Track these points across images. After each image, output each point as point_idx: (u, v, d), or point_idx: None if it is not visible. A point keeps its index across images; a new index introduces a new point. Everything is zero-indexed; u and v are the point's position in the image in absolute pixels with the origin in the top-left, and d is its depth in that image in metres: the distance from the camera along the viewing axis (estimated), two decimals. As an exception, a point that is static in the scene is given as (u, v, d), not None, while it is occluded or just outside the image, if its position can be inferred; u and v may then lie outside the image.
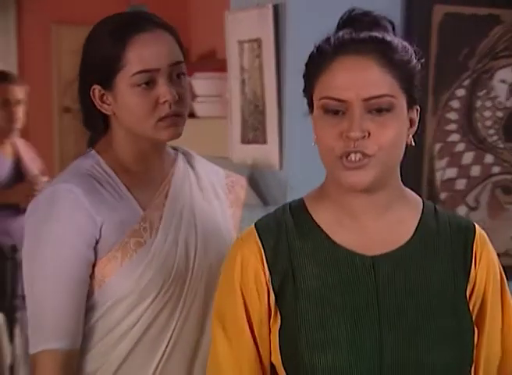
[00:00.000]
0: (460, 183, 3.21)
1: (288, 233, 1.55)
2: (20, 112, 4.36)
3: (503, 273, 1.64)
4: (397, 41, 1.52)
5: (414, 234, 1.57)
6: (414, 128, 1.56)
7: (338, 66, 1.48)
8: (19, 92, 4.36)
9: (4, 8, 5.88)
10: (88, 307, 1.78)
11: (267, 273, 1.53)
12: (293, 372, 1.52)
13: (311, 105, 1.55)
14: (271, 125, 2.95)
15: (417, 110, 1.56)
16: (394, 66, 1.48)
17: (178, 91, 1.77)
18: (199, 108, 3.53)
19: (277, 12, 2.95)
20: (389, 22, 1.56)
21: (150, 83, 1.74)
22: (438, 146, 3.15)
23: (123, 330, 1.77)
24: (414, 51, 1.54)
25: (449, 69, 3.14)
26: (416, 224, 1.58)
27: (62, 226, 1.74)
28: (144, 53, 1.74)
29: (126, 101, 1.76)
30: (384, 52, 1.48)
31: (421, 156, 3.15)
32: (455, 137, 3.18)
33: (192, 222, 1.85)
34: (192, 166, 1.95)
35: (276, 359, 1.54)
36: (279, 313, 1.53)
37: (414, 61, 1.53)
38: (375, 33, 1.50)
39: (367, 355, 1.48)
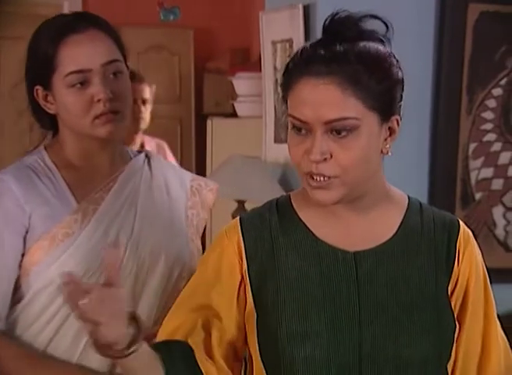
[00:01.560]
0: (497, 184, 3.17)
1: (271, 227, 1.57)
2: (146, 112, 4.21)
3: (485, 271, 1.63)
4: (374, 53, 1.48)
5: (396, 231, 1.58)
6: (394, 136, 1.54)
7: (302, 86, 1.46)
8: (145, 92, 4.22)
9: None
10: (17, 298, 1.84)
11: (244, 263, 1.56)
12: (271, 363, 1.54)
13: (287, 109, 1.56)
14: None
15: (396, 120, 1.53)
16: (359, 86, 1.45)
17: (113, 89, 1.80)
18: (240, 107, 3.57)
19: (308, 12, 2.99)
20: (383, 22, 1.53)
21: (84, 83, 1.79)
22: (473, 146, 3.13)
23: (45, 321, 1.82)
24: (394, 61, 1.50)
25: (485, 68, 3.11)
26: (400, 222, 1.59)
27: None
28: (76, 54, 1.79)
29: (63, 101, 1.82)
30: (347, 73, 1.44)
31: (455, 156, 3.12)
32: (491, 136, 3.15)
33: (131, 218, 1.88)
34: (150, 167, 1.98)
35: (253, 350, 1.56)
36: (253, 305, 1.55)
37: (392, 73, 1.49)
38: (341, 50, 1.46)
39: (346, 348, 1.50)
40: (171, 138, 5.20)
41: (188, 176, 2.06)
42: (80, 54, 1.78)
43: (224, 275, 1.56)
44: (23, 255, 1.82)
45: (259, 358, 1.55)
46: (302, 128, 1.47)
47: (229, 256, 1.57)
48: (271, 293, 1.53)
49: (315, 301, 1.52)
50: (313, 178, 1.47)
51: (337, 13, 1.50)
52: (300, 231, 1.57)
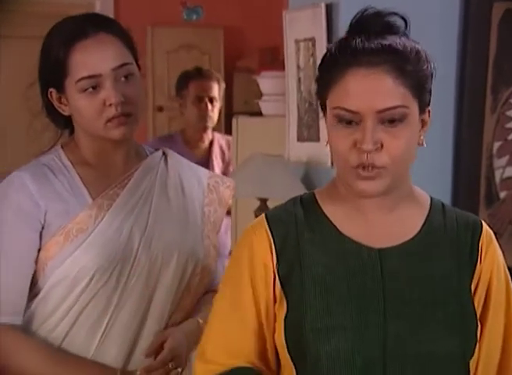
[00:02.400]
0: (522, 182, 3.15)
1: (298, 223, 1.58)
2: (214, 111, 4.20)
3: (507, 273, 1.64)
4: (409, 45, 1.51)
5: (420, 230, 1.59)
6: (426, 128, 1.57)
7: (351, 77, 1.47)
8: (212, 89, 4.21)
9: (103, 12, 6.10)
10: (34, 293, 1.87)
11: (274, 260, 1.57)
12: (298, 358, 1.55)
13: (323, 107, 1.56)
14: (324, 123, 2.97)
15: (428, 111, 1.57)
16: (406, 75, 1.48)
17: (124, 92, 1.82)
18: (264, 106, 3.58)
19: (330, 11, 2.99)
20: (403, 19, 1.55)
21: (96, 87, 1.82)
22: (497, 144, 3.10)
23: (60, 316, 1.85)
24: (425, 54, 1.54)
25: (510, 66, 3.08)
26: (423, 221, 1.60)
27: (7, 209, 1.84)
28: (86, 59, 1.81)
29: (75, 105, 1.85)
30: (396, 62, 1.47)
31: (479, 154, 3.11)
32: (516, 135, 3.13)
33: (145, 214, 1.90)
34: (166, 165, 2.01)
35: (281, 346, 1.57)
36: (284, 301, 1.56)
37: (426, 65, 1.53)
38: (386, 42, 1.49)
39: (370, 343, 1.51)
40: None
41: (205, 173, 2.09)
42: (90, 59, 1.81)
43: (259, 274, 1.57)
44: (39, 251, 1.86)
45: (286, 354, 1.56)
46: (351, 120, 1.48)
47: (261, 254, 1.58)
48: (296, 288, 1.55)
49: (340, 296, 1.53)
50: (363, 169, 1.48)
51: (366, 9, 1.53)
52: (325, 227, 1.58)
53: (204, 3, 4.86)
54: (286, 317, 1.56)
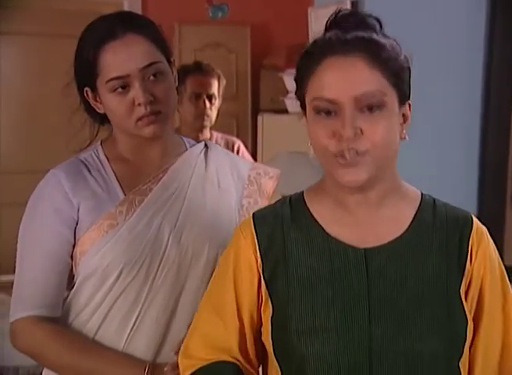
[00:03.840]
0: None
1: (284, 224, 1.59)
2: (212, 109, 3.84)
3: (503, 268, 1.62)
4: (384, 39, 1.52)
5: (408, 228, 1.57)
6: (408, 122, 1.56)
7: (326, 67, 1.48)
8: (212, 86, 3.84)
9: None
10: (71, 286, 1.91)
11: (259, 260, 1.57)
12: (283, 359, 1.55)
13: (303, 106, 1.56)
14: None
15: (409, 105, 1.56)
16: (382, 63, 1.48)
17: (153, 91, 1.84)
18: (290, 103, 3.57)
19: (356, 8, 2.99)
20: (377, 20, 1.55)
21: (126, 87, 1.85)
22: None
23: (92, 309, 1.88)
24: (400, 48, 1.53)
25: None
26: (411, 218, 1.58)
27: (42, 205, 1.89)
28: (114, 61, 1.83)
29: (107, 104, 1.88)
30: (371, 51, 1.48)
31: (505, 154, 3.10)
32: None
33: (177, 209, 1.92)
34: (206, 158, 2.03)
35: (269, 346, 1.58)
36: (269, 301, 1.56)
37: (402, 57, 1.52)
38: (361, 33, 1.50)
39: (355, 344, 1.49)
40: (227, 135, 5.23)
41: (247, 165, 2.10)
42: (118, 60, 1.83)
43: (244, 274, 1.59)
44: (74, 247, 1.89)
45: (273, 355, 1.56)
46: (330, 110, 1.47)
47: (247, 254, 1.59)
48: (281, 288, 1.55)
49: (325, 298, 1.52)
50: (342, 156, 1.47)
51: (340, 10, 1.56)
52: (311, 228, 1.58)
53: (229, 1, 4.87)
54: (272, 317, 1.56)
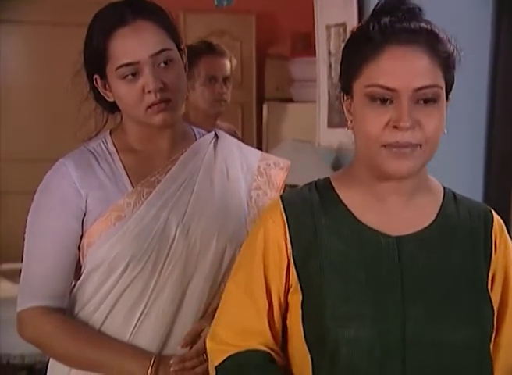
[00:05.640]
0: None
1: (313, 209, 1.57)
2: (228, 93, 3.45)
3: None
4: (438, 28, 1.51)
5: (435, 218, 1.58)
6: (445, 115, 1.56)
7: (389, 55, 1.46)
8: (227, 68, 3.45)
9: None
10: (77, 277, 1.90)
11: (289, 245, 1.56)
12: (314, 345, 1.54)
13: (348, 91, 1.54)
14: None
15: (449, 98, 1.55)
16: (441, 57, 1.48)
17: (164, 78, 1.82)
18: (295, 92, 3.57)
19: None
20: (419, 9, 1.53)
21: (136, 74, 1.82)
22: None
23: (98, 300, 1.87)
24: (450, 37, 1.52)
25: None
26: (437, 210, 1.59)
27: (50, 196, 1.86)
28: (124, 47, 1.81)
29: (117, 91, 1.85)
30: (433, 44, 1.47)
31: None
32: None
33: (185, 200, 1.89)
34: (215, 148, 1.99)
35: (297, 333, 1.56)
36: (299, 287, 1.55)
37: (455, 52, 1.52)
38: (424, 24, 1.49)
39: (389, 331, 1.50)
40: (232, 123, 5.22)
41: (257, 156, 2.06)
42: (128, 47, 1.81)
43: (273, 257, 1.57)
44: (81, 238, 1.87)
45: (303, 339, 1.55)
46: (386, 98, 1.46)
47: (276, 237, 1.57)
48: (314, 274, 1.53)
49: (359, 285, 1.52)
50: (396, 147, 1.46)
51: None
52: (341, 213, 1.56)
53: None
54: (302, 303, 1.55)
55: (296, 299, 1.56)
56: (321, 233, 1.55)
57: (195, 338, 1.85)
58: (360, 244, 1.54)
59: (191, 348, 1.84)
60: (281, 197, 1.61)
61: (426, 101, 1.46)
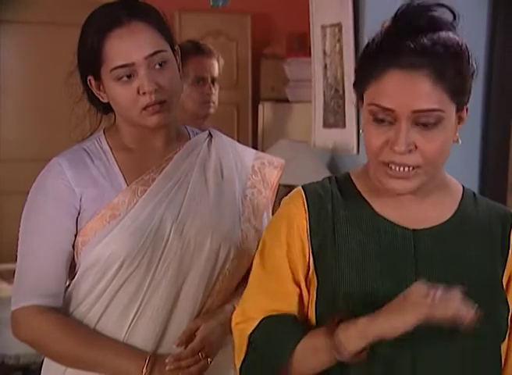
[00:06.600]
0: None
1: (333, 200, 1.60)
2: (216, 94, 3.40)
3: None
4: (452, 43, 1.49)
5: (453, 215, 1.60)
6: (462, 124, 1.56)
7: (389, 77, 1.47)
8: (215, 68, 3.41)
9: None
10: (72, 276, 1.90)
11: (308, 231, 1.58)
12: None
13: (360, 97, 1.56)
14: (349, 109, 2.97)
15: (467, 108, 1.56)
16: (446, 79, 1.47)
17: (158, 80, 1.82)
18: (291, 92, 3.57)
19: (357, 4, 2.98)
20: (450, 11, 1.53)
21: (131, 76, 1.82)
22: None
23: (93, 299, 1.87)
24: (468, 52, 1.51)
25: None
26: (456, 208, 1.61)
27: (44, 194, 1.87)
28: (119, 48, 1.81)
29: (111, 93, 1.86)
30: (437, 67, 1.46)
31: (507, 141, 3.09)
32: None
33: (180, 199, 1.90)
34: (209, 146, 2.00)
35: (310, 316, 1.58)
36: (315, 274, 1.58)
37: (467, 65, 1.51)
38: (429, 44, 1.47)
39: None
40: (227, 124, 5.22)
41: (251, 154, 2.06)
42: (123, 48, 1.81)
43: (297, 242, 1.59)
44: (76, 236, 1.88)
45: (315, 324, 1.57)
46: (385, 118, 1.48)
47: (300, 222, 1.59)
48: (330, 261, 1.56)
49: (373, 273, 1.54)
50: (392, 168, 1.49)
51: (411, 2, 1.51)
52: (360, 206, 1.60)
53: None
54: (317, 290, 1.57)
55: (312, 287, 1.59)
56: (339, 222, 1.58)
57: (190, 337, 1.86)
58: (377, 235, 1.57)
59: (186, 347, 1.85)
60: (303, 187, 1.64)
61: (425, 125, 1.47)
